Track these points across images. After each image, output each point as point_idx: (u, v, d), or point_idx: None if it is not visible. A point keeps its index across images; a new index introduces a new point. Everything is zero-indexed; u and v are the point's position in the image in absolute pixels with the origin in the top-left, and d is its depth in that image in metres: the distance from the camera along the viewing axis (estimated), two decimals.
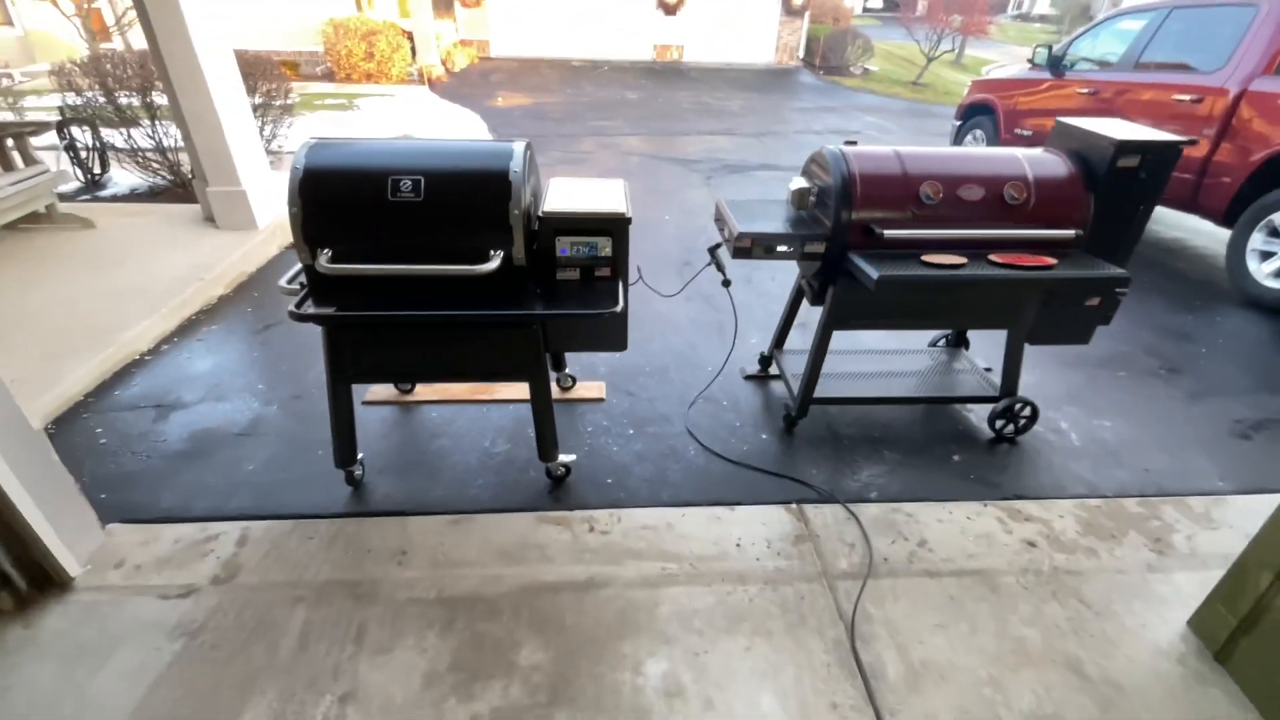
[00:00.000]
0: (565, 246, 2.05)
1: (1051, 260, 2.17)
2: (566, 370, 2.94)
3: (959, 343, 3.12)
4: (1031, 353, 2.61)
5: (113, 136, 5.38)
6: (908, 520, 2.28)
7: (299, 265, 1.97)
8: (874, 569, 2.08)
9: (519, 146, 1.97)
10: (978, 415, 2.90)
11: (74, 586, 1.98)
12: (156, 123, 5.07)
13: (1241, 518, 2.36)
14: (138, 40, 8.95)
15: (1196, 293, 4.32)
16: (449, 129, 8.33)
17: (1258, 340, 3.70)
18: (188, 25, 3.80)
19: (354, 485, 2.37)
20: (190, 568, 2.04)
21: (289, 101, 5.89)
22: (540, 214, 2.03)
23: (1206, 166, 4.42)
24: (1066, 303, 2.47)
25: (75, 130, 5.54)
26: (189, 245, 4.18)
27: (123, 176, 5.85)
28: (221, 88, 4.08)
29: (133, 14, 3.73)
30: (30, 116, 5.81)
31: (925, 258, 2.15)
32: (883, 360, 2.99)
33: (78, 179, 5.77)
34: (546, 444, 2.30)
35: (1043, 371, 3.19)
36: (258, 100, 5.42)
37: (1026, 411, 2.67)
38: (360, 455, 2.37)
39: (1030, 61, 6.12)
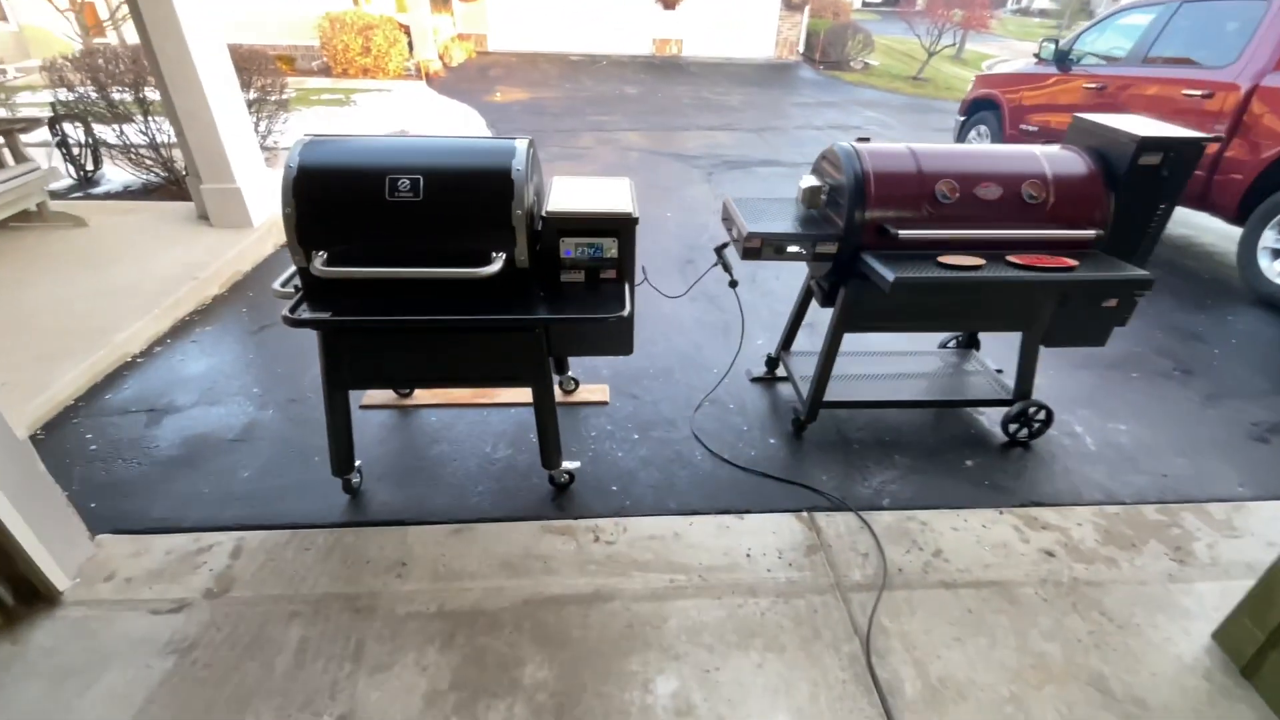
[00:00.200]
0: (569, 248, 1.98)
1: (1072, 262, 2.10)
2: (569, 373, 2.87)
3: (970, 344, 3.06)
4: (1043, 354, 2.54)
5: (105, 133, 5.29)
6: (922, 529, 2.22)
7: (293, 267, 1.90)
8: (888, 580, 2.02)
9: (521, 144, 1.89)
10: (989, 419, 2.83)
11: (62, 601, 1.92)
12: (149, 118, 4.98)
13: (1263, 525, 2.30)
14: (132, 35, 8.82)
15: (1207, 291, 4.26)
16: (447, 124, 8.23)
17: (1271, 340, 3.64)
18: (180, 20, 3.71)
19: (352, 493, 2.30)
20: (182, 581, 1.97)
21: (284, 97, 5.79)
22: (543, 214, 1.96)
23: (1217, 163, 4.35)
24: (1083, 304, 2.40)
25: (68, 127, 5.45)
26: (183, 244, 4.10)
27: (116, 173, 5.75)
28: (215, 83, 4.00)
29: (126, 8, 3.64)
30: (24, 113, 5.72)
31: (942, 259, 2.09)
32: (892, 362, 2.93)
33: (70, 176, 5.67)
34: (550, 451, 2.23)
35: (1054, 373, 3.12)
36: (252, 95, 5.33)
37: (1041, 415, 2.61)
38: (358, 462, 2.30)
39: (1036, 56, 6.03)
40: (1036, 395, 2.61)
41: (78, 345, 2.99)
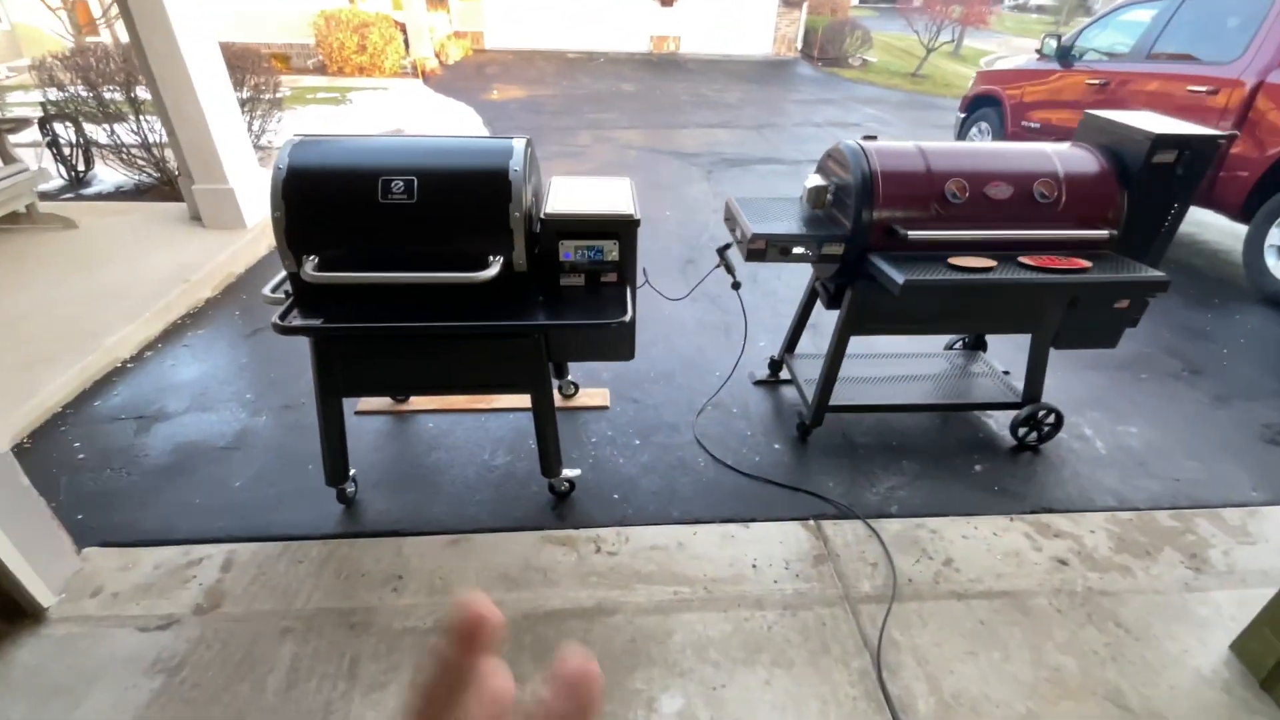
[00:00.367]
0: (569, 251, 1.92)
1: (1085, 263, 2.04)
2: (569, 377, 2.81)
3: (977, 345, 3.00)
4: (1051, 355, 2.49)
5: (97, 133, 5.21)
6: (931, 537, 2.17)
7: (284, 272, 1.84)
8: (898, 591, 1.97)
9: (519, 143, 1.83)
10: (998, 421, 2.78)
11: (47, 618, 1.85)
12: (141, 118, 4.90)
13: (1278, 531, 2.25)
14: (125, 33, 8.74)
15: (1213, 290, 4.21)
16: (443, 123, 8.16)
17: (1279, 339, 3.59)
18: (170, 17, 3.64)
19: (346, 503, 2.24)
20: (171, 596, 1.91)
21: (278, 95, 5.72)
22: (542, 216, 1.90)
23: (1222, 159, 4.30)
24: (1094, 306, 2.35)
25: (58, 126, 5.36)
26: (174, 245, 4.03)
27: (108, 174, 5.68)
28: (206, 82, 3.92)
29: (118, 6, 3.54)
30: (14, 113, 5.63)
31: (952, 260, 2.03)
32: (898, 364, 2.87)
33: (61, 176, 5.59)
34: (549, 459, 2.18)
35: (1062, 374, 3.07)
36: (245, 94, 5.26)
37: (1051, 419, 2.56)
38: (352, 471, 2.24)
39: (1038, 52, 5.98)
40: (1045, 397, 2.56)
41: (66, 350, 2.92)
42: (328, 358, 1.93)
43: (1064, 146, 2.28)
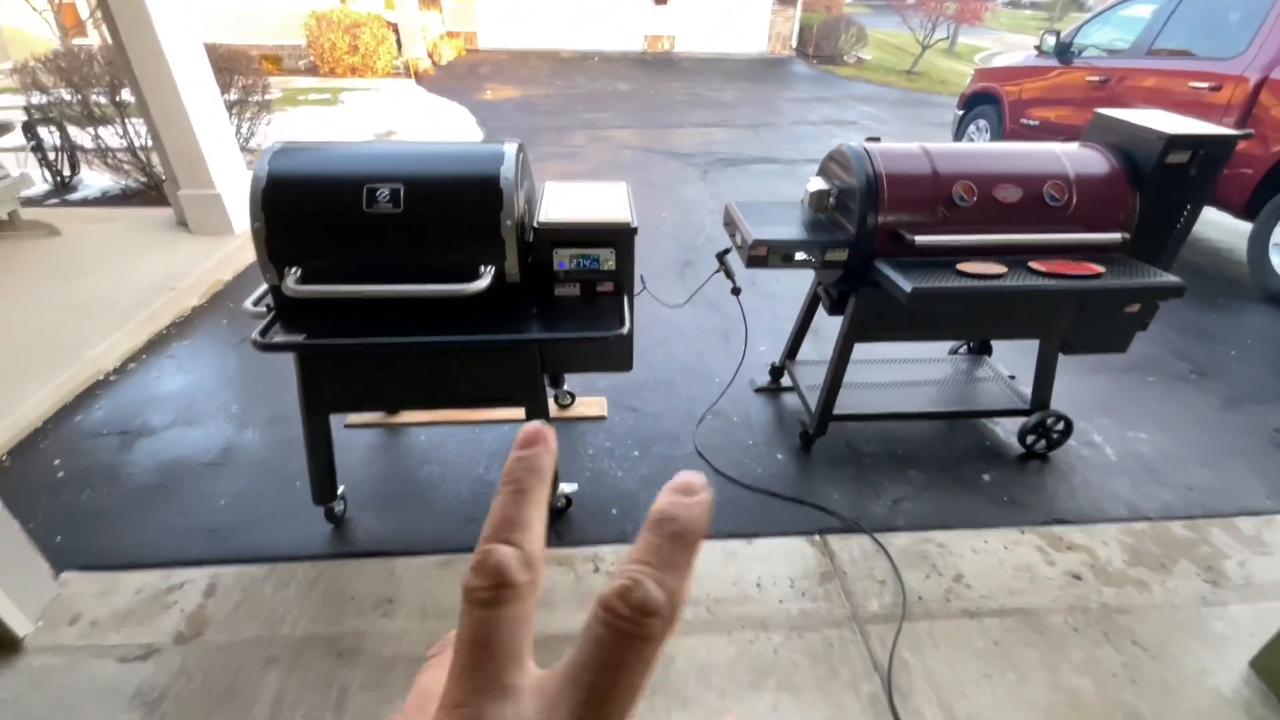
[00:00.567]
0: (564, 260, 1.85)
1: (1097, 268, 1.98)
2: (565, 387, 2.74)
3: (982, 349, 2.93)
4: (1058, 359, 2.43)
5: (82, 137, 5.11)
6: (940, 551, 2.10)
7: (265, 285, 1.76)
8: (908, 610, 1.90)
9: (510, 148, 1.76)
10: (1004, 428, 2.72)
11: (24, 648, 1.77)
12: (127, 121, 4.81)
13: None
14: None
15: (1218, 289, 4.15)
16: (437, 123, 8.06)
17: None
18: (152, 18, 3.54)
19: (335, 522, 2.16)
20: (152, 623, 1.83)
21: (267, 98, 5.62)
22: (535, 224, 1.82)
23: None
24: (1105, 310, 2.29)
25: (42, 131, 5.26)
26: (160, 252, 3.94)
27: (94, 179, 5.57)
28: (191, 85, 3.83)
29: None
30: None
31: (961, 266, 1.96)
32: (902, 369, 2.81)
33: (46, 182, 5.49)
34: None
35: (1069, 378, 3.00)
36: (233, 97, 5.17)
37: (1060, 426, 2.49)
38: (341, 489, 2.16)
39: (1037, 49, 5.92)
40: (1053, 403, 2.49)
41: (47, 363, 2.83)
42: (313, 373, 1.86)
43: (1073, 147, 2.21)
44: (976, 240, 2.02)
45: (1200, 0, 4.68)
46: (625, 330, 1.75)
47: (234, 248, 4.04)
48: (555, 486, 2.16)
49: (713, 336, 3.36)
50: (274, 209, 1.63)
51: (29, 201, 4.68)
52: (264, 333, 1.66)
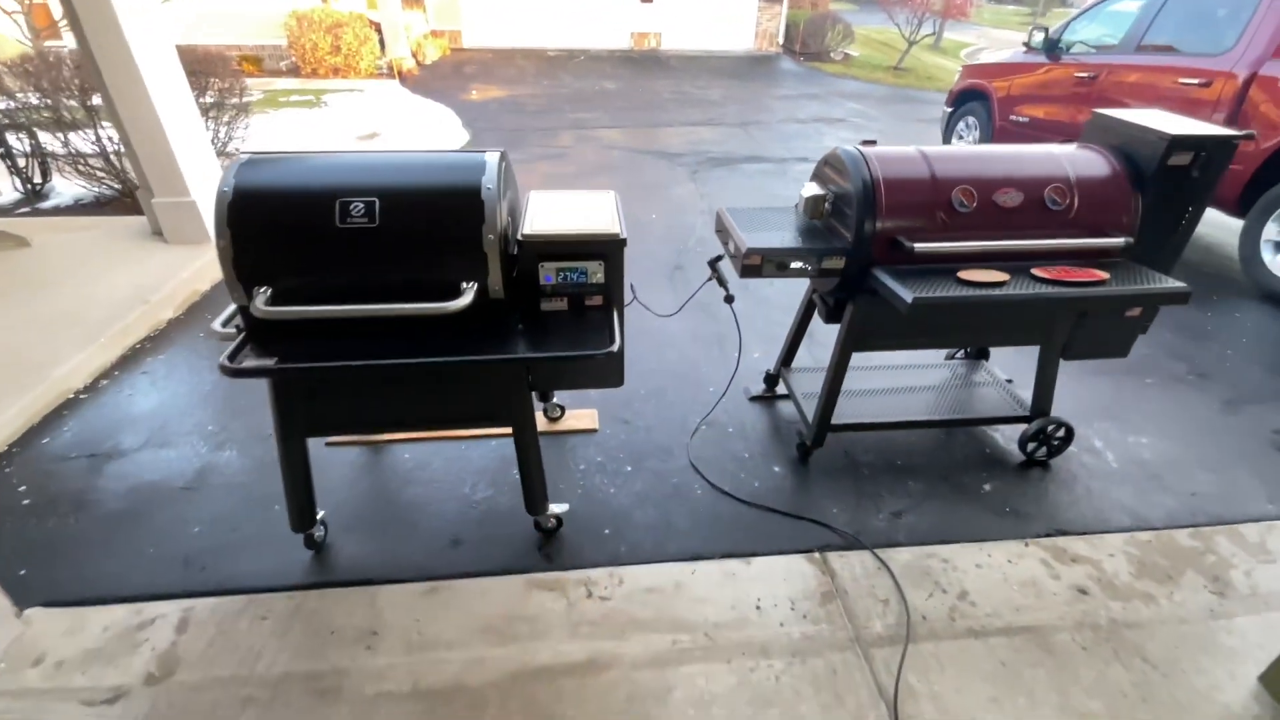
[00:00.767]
0: (550, 273, 1.76)
1: (1102, 274, 1.92)
2: (554, 400, 2.65)
3: (979, 354, 2.88)
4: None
5: (53, 143, 4.95)
6: (944, 567, 2.04)
7: (234, 305, 1.66)
8: (912, 630, 1.84)
9: (492, 157, 1.67)
10: (1004, 435, 2.67)
11: None
12: (99, 126, 4.66)
13: None
14: None
15: (1211, 286, 4.14)
16: (421, 124, 7.93)
17: None
18: (120, 20, 3.42)
19: (315, 548, 2.07)
20: (120, 663, 1.73)
21: (245, 100, 5.48)
22: (519, 237, 1.74)
23: None
24: (1106, 316, 2.23)
25: (11, 137, 5.09)
26: (134, 263, 3.82)
27: (67, 186, 5.41)
28: (163, 88, 3.70)
29: None
30: None
31: (962, 274, 1.90)
32: (899, 375, 2.75)
33: (16, 190, 5.32)
34: (535, 496, 2.02)
35: (1068, 382, 2.95)
36: (210, 99, 5.03)
37: (1061, 433, 2.44)
38: (321, 514, 2.07)
39: (1025, 45, 5.89)
40: (1053, 408, 2.44)
41: (13, 382, 2.71)
42: (287, 397, 1.76)
43: (1072, 148, 2.15)
44: (978, 247, 1.96)
45: None
46: (616, 348, 1.67)
47: (211, 257, 3.91)
48: (546, 507, 2.08)
49: (706, 343, 3.29)
50: (241, 225, 1.54)
51: None
52: (233, 357, 1.57)
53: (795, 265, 2.06)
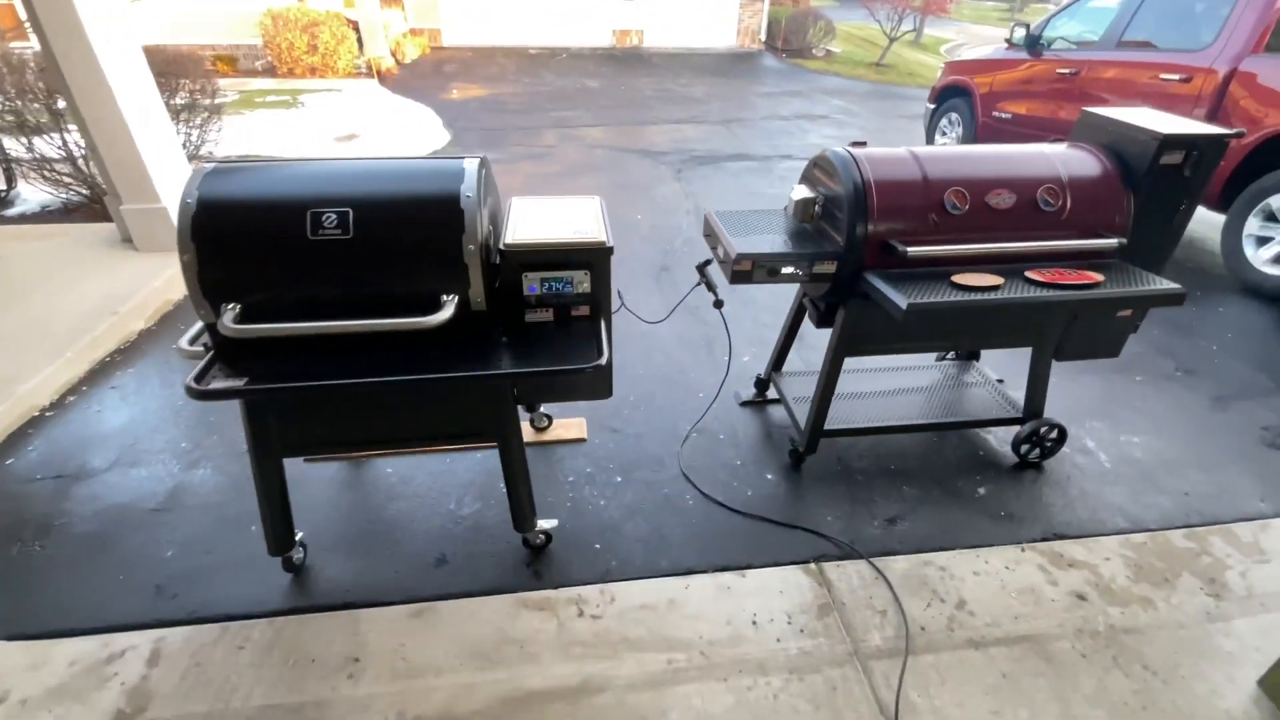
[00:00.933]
0: (534, 284, 1.70)
1: (1096, 276, 1.89)
2: (541, 409, 2.59)
3: (970, 355, 2.86)
4: None
5: (17, 148, 4.79)
6: (941, 575, 2.01)
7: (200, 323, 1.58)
8: (911, 642, 1.80)
9: (471, 164, 1.60)
10: (997, 436, 2.65)
11: None
12: (65, 130, 4.50)
13: None
14: None
15: (1194, 281, 4.16)
16: (401, 125, 7.80)
17: (1265, 332, 3.54)
18: (83, 21, 3.29)
19: (294, 571, 1.99)
20: (88, 700, 1.65)
21: (217, 101, 5.34)
22: (502, 246, 1.67)
23: None
24: (1098, 317, 2.21)
25: None
26: (103, 272, 3.69)
27: (33, 192, 5.24)
28: (129, 92, 3.58)
29: None
30: None
31: (956, 278, 1.86)
32: (890, 378, 2.72)
33: None
34: (522, 513, 1.96)
35: (1059, 381, 2.94)
36: (181, 101, 4.89)
37: (1054, 434, 2.42)
38: (300, 535, 1.99)
39: (1007, 41, 5.90)
40: (1044, 409, 2.42)
41: None
42: (261, 417, 1.68)
43: (1063, 148, 2.13)
44: (971, 250, 1.92)
45: None
46: (604, 361, 1.61)
47: None
48: (534, 524, 2.02)
49: (694, 347, 3.24)
50: (206, 238, 1.46)
51: None
52: (200, 378, 1.48)
53: (786, 271, 2.01)
